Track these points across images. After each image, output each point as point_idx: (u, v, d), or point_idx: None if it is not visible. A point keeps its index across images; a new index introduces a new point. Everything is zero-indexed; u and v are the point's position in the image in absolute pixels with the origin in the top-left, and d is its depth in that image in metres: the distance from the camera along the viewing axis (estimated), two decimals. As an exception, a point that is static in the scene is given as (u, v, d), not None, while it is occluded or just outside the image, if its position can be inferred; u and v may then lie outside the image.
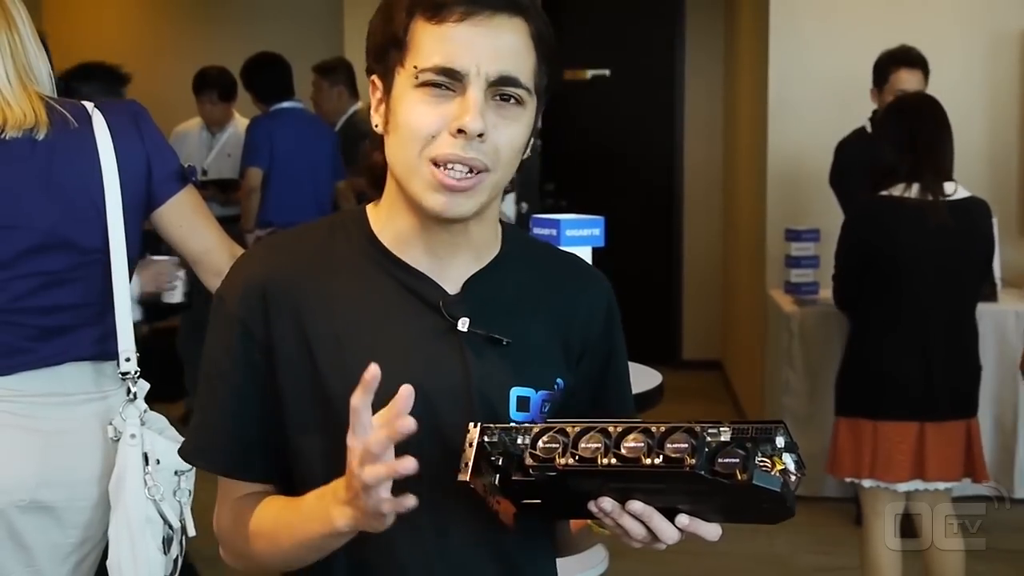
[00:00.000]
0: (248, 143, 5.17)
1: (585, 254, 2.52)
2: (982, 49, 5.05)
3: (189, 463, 1.30)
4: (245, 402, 1.23)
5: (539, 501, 1.13)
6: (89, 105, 2.06)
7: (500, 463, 1.11)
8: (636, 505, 1.08)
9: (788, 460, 1.03)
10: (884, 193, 3.24)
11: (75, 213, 2.00)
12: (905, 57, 4.28)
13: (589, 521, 1.22)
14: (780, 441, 1.03)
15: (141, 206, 2.08)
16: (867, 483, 3.24)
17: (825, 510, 4.49)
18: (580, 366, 1.31)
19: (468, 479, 1.11)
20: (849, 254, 3.33)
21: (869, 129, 4.36)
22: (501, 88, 1.16)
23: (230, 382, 1.23)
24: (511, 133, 1.18)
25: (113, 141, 2.02)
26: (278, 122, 5.15)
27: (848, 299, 3.43)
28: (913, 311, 3.22)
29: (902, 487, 3.21)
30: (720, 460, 1.02)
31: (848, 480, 3.34)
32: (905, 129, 3.23)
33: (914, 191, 3.19)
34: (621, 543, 1.15)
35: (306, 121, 5.29)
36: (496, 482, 1.11)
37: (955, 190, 3.24)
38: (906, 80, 4.23)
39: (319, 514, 1.13)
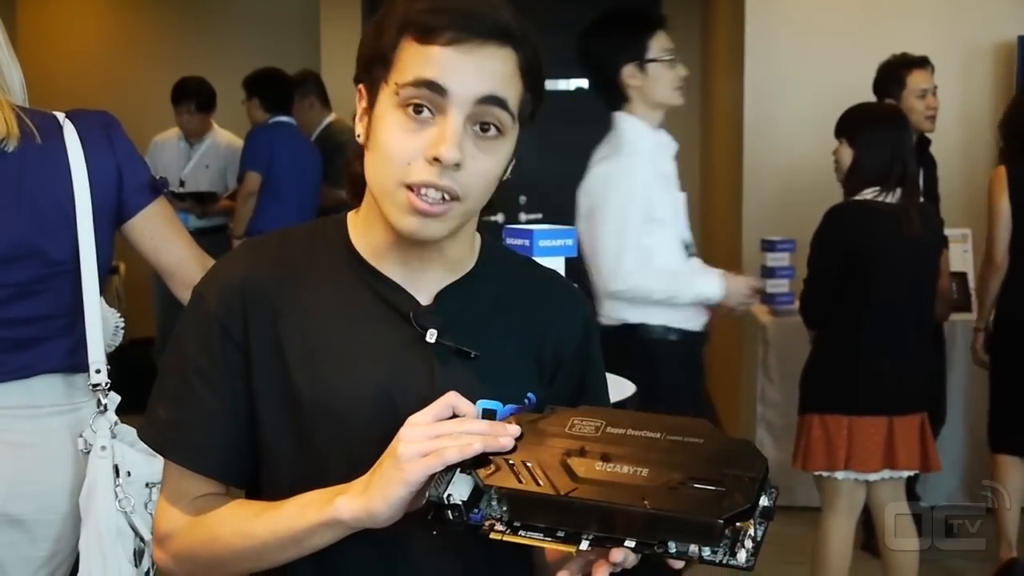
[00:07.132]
0: (249, 149, 5.24)
1: (558, 264, 2.51)
2: (956, 63, 5.09)
3: (166, 456, 1.27)
4: (224, 401, 1.22)
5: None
6: (60, 115, 2.04)
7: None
8: (617, 554, 1.06)
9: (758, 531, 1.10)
10: (860, 198, 3.32)
11: (44, 223, 1.98)
12: (914, 59, 4.34)
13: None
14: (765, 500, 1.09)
15: (111, 217, 2.06)
16: (840, 475, 3.35)
17: (794, 520, 4.48)
18: (556, 382, 1.31)
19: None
20: (827, 256, 3.35)
21: None
22: (483, 112, 1.16)
23: (209, 380, 1.22)
24: (487, 165, 1.18)
25: (84, 151, 2.00)
26: (277, 133, 5.25)
27: (818, 307, 3.42)
28: (887, 313, 3.31)
29: (873, 476, 3.37)
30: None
31: (817, 474, 3.40)
32: (892, 136, 3.33)
33: (893, 197, 3.29)
34: None
35: (299, 138, 5.39)
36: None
37: None
38: (923, 79, 4.30)
39: (318, 503, 1.15)
